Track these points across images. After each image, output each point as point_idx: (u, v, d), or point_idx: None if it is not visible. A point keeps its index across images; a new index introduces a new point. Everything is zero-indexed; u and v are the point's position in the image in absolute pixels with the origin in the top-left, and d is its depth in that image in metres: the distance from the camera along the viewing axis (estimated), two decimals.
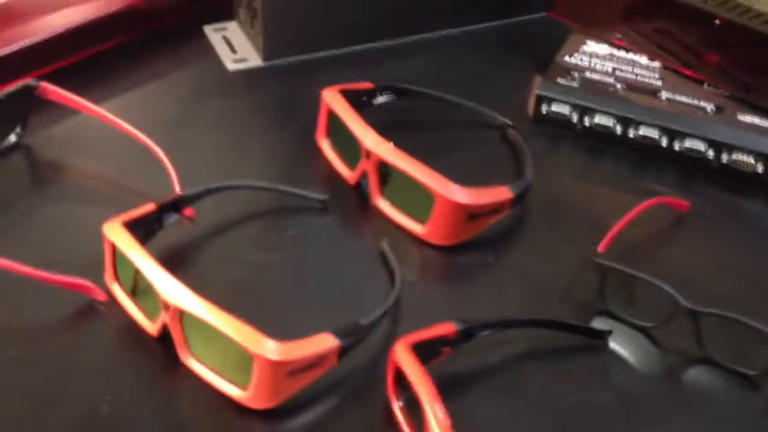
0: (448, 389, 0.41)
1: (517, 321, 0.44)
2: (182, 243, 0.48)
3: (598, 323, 0.45)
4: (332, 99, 0.54)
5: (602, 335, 0.44)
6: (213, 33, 0.67)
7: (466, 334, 0.41)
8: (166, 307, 0.40)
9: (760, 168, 0.54)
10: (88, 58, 0.61)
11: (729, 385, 0.43)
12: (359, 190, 0.53)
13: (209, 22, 0.67)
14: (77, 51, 0.61)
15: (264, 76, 0.63)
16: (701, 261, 0.50)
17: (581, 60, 0.61)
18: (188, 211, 0.49)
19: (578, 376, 0.43)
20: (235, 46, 0.65)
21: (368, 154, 0.50)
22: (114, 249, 0.43)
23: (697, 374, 0.43)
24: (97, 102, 0.58)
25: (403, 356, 0.38)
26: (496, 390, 0.42)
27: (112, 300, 0.44)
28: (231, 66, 0.63)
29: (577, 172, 0.56)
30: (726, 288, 0.48)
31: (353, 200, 0.53)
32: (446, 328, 0.41)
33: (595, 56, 0.61)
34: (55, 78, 0.58)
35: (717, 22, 0.57)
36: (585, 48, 0.62)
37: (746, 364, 0.43)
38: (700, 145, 0.55)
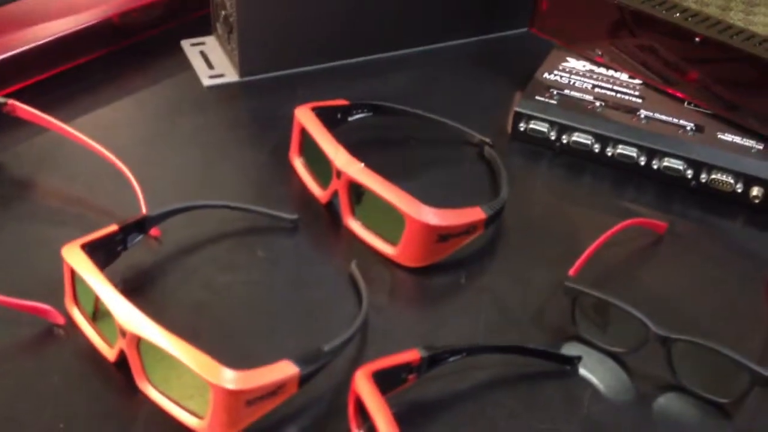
0: (413, 418, 0.40)
1: (485, 347, 0.43)
2: (147, 264, 0.47)
3: (569, 348, 0.44)
4: (304, 117, 0.53)
5: (572, 361, 0.43)
6: (190, 48, 0.66)
7: (431, 361, 0.41)
8: (123, 333, 0.39)
9: (739, 188, 0.53)
10: (62, 73, 0.61)
11: (701, 414, 0.42)
12: (331, 209, 0.52)
13: (187, 36, 0.67)
14: (50, 67, 0.60)
15: (240, 92, 0.62)
16: (678, 283, 0.49)
17: (561, 77, 0.60)
18: (154, 231, 0.48)
19: (548, 403, 0.42)
20: (212, 61, 0.64)
21: (339, 174, 0.50)
22: (73, 272, 0.42)
23: (668, 402, 0.42)
24: (69, 119, 0.57)
25: (362, 385, 0.37)
26: (464, 418, 0.41)
27: (72, 324, 0.43)
28: (207, 82, 0.62)
29: (555, 190, 0.56)
30: (702, 311, 0.47)
31: (325, 220, 0.52)
32: (410, 356, 0.40)
33: (575, 73, 0.60)
34: (28, 94, 0.58)
35: (697, 39, 0.56)
36: (565, 65, 0.61)
37: (719, 392, 0.42)
38: (679, 165, 0.54)
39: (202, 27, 0.67)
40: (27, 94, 0.58)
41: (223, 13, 0.63)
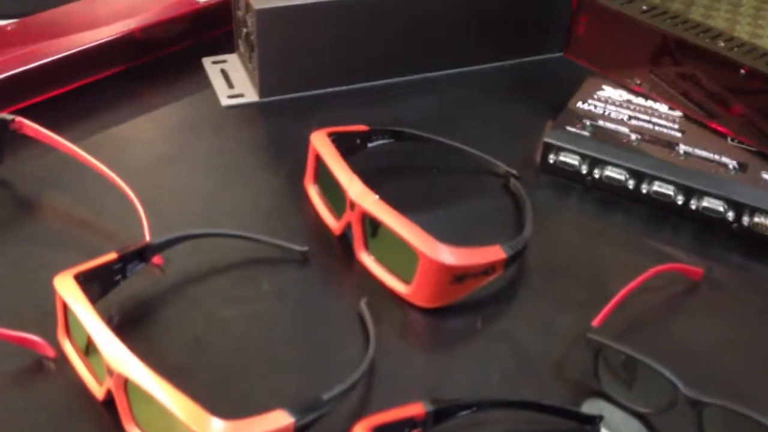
0: None
1: (497, 402, 0.40)
2: (146, 294, 0.45)
3: (591, 406, 0.41)
4: (320, 143, 0.50)
5: (593, 421, 0.40)
6: (211, 66, 0.64)
7: (437, 416, 0.37)
8: (110, 372, 0.37)
9: None
10: (79, 88, 0.59)
11: None
12: (344, 242, 0.49)
13: (210, 53, 0.65)
14: (68, 81, 0.59)
15: (259, 113, 0.60)
16: (713, 337, 0.45)
17: (595, 106, 0.57)
18: (157, 260, 0.46)
19: None
20: (233, 80, 0.62)
21: (353, 205, 0.47)
22: (65, 304, 0.40)
23: None
24: (82, 136, 0.56)
25: None
26: None
27: (63, 357, 0.41)
28: (225, 101, 0.60)
29: (583, 229, 0.52)
30: (740, 370, 0.43)
31: (337, 253, 0.49)
32: (414, 409, 0.37)
33: (611, 103, 0.57)
34: (44, 109, 0.56)
35: (743, 71, 0.52)
36: (601, 93, 0.58)
37: None
38: (719, 205, 0.50)
39: (225, 44, 0.65)
40: (43, 110, 0.56)
41: (244, 30, 0.61)
